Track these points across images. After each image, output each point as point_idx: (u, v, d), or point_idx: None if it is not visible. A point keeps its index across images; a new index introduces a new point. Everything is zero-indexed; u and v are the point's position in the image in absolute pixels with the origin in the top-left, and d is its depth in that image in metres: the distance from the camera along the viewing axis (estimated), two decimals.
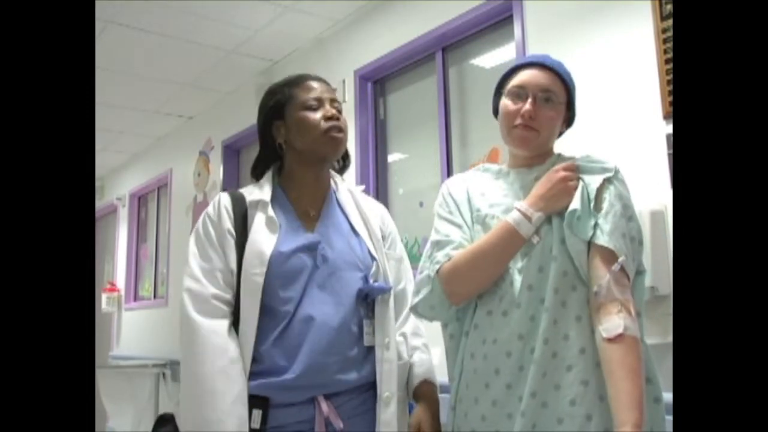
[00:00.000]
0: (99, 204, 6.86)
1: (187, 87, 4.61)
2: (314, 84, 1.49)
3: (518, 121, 1.37)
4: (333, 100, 1.49)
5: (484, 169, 1.51)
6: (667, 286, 2.02)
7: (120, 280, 6.32)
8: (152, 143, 5.91)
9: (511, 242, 1.31)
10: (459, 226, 1.40)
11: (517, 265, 1.32)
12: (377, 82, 3.65)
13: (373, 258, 1.45)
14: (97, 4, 2.91)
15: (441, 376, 1.53)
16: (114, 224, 6.68)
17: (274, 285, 1.36)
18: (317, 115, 1.45)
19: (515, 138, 1.40)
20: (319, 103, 1.46)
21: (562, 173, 1.33)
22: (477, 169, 1.53)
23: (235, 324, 1.36)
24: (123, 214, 6.45)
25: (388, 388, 1.39)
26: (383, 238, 1.53)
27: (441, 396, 1.55)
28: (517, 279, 1.31)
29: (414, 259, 3.33)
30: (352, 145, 3.60)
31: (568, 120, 1.46)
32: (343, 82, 3.70)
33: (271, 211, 1.42)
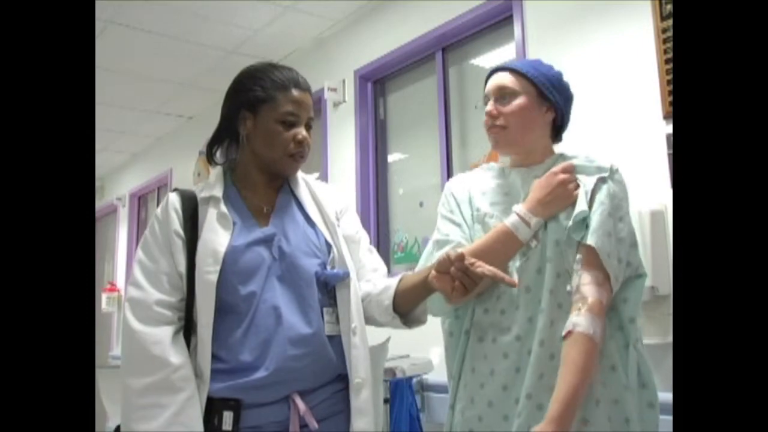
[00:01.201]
0: (99, 204, 6.86)
1: (187, 87, 4.61)
2: (299, 96, 1.42)
3: (486, 126, 1.42)
4: (310, 119, 1.44)
5: (487, 168, 1.52)
6: (667, 286, 2.02)
7: (120, 280, 6.33)
8: (152, 143, 5.92)
9: (509, 246, 1.31)
10: (458, 225, 1.41)
11: (515, 265, 1.32)
12: (377, 82, 3.65)
13: (329, 245, 1.43)
14: (97, 4, 2.91)
15: (441, 376, 1.53)
16: (114, 224, 6.69)
17: (233, 281, 1.33)
18: (289, 134, 1.40)
19: (492, 143, 1.43)
20: (296, 120, 1.41)
21: (561, 176, 1.32)
22: (480, 168, 1.54)
23: (189, 327, 1.34)
24: (123, 214, 6.45)
25: (358, 375, 1.36)
26: (338, 219, 1.50)
27: (439, 396, 1.54)
28: (515, 279, 1.31)
29: (414, 260, 3.35)
30: (351, 145, 3.60)
31: (554, 111, 1.42)
32: (343, 82, 3.70)
33: (223, 207, 1.39)
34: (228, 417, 1.28)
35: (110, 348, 6.24)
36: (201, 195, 1.42)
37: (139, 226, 6.26)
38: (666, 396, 1.38)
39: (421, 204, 3.33)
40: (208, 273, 1.32)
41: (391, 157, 3.60)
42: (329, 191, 1.56)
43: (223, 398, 1.29)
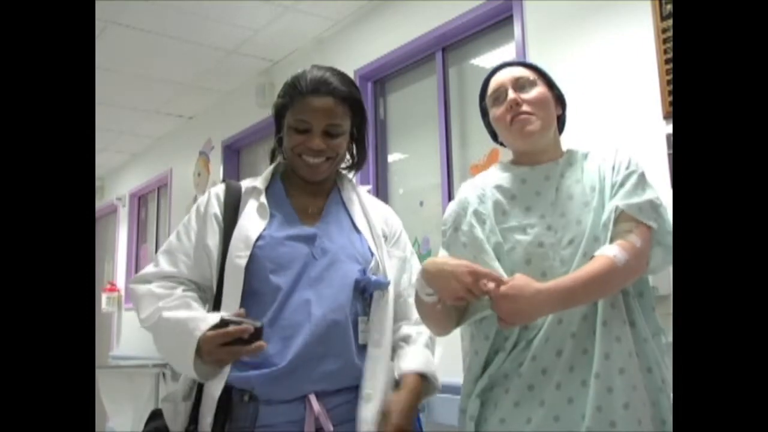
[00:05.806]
0: (99, 204, 6.85)
1: (187, 87, 4.61)
2: (314, 103, 1.37)
3: (509, 115, 1.36)
4: (329, 125, 1.38)
5: (503, 168, 1.45)
6: (667, 286, 2.01)
7: (120, 280, 6.32)
8: (152, 143, 5.91)
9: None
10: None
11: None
12: (377, 82, 3.65)
13: (372, 253, 1.43)
14: (97, 4, 2.89)
15: (442, 376, 1.53)
16: (114, 224, 6.68)
17: (264, 269, 1.34)
18: (299, 139, 1.39)
19: (517, 132, 1.36)
20: (307, 127, 1.38)
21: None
22: (490, 175, 1.45)
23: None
24: (123, 214, 6.44)
25: (371, 386, 1.34)
26: (386, 237, 1.50)
27: (440, 396, 1.53)
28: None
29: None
30: None
31: (560, 102, 1.44)
32: None
33: (263, 199, 1.41)
34: (245, 414, 1.28)
35: (110, 348, 6.23)
36: (245, 186, 1.45)
37: (139, 226, 6.26)
38: None
39: (421, 204, 3.32)
40: (238, 257, 1.34)
41: (391, 157, 3.60)
42: (382, 208, 1.59)
43: (240, 388, 1.29)
